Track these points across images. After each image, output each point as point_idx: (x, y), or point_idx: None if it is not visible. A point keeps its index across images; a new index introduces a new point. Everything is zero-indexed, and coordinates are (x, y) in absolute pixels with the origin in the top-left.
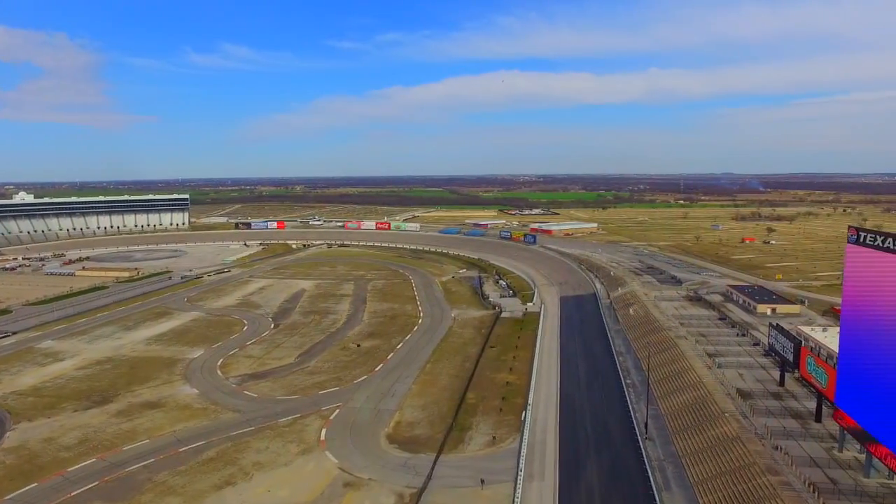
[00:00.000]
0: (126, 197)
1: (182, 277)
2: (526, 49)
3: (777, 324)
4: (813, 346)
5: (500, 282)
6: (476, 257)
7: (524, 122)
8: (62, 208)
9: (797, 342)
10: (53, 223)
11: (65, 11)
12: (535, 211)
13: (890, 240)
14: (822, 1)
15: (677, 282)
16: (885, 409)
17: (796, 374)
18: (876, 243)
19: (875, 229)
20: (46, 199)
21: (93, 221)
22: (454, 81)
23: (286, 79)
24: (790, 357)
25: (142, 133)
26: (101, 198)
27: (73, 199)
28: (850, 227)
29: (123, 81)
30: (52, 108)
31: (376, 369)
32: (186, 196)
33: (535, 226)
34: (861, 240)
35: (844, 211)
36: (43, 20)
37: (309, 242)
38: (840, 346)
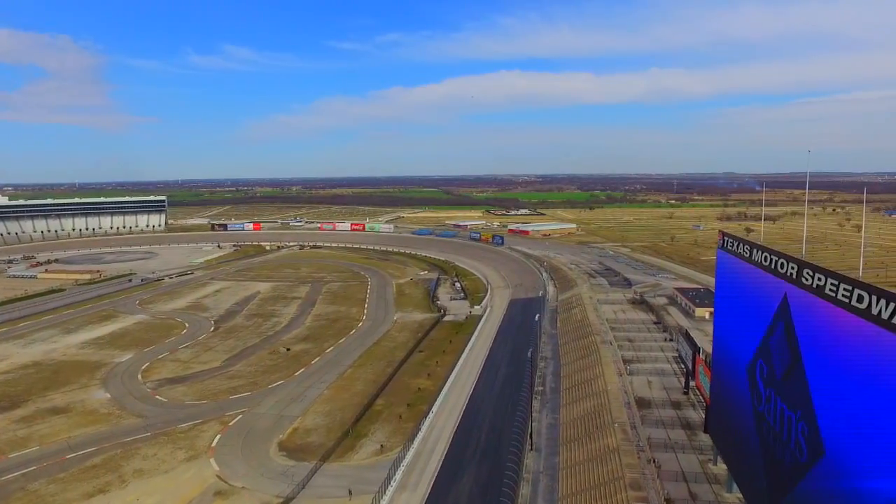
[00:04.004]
0: (101, 199)
1: (142, 280)
2: (526, 49)
3: (686, 330)
4: None
5: (456, 284)
6: (443, 258)
7: (524, 122)
8: (36, 210)
9: (695, 349)
10: (28, 225)
11: (68, 14)
12: (522, 211)
13: (744, 246)
14: (823, 1)
15: (629, 284)
16: (731, 420)
17: (693, 383)
18: (732, 249)
19: (737, 235)
20: (21, 202)
21: (68, 223)
22: (454, 82)
23: (287, 80)
24: (691, 365)
25: (143, 134)
26: (76, 200)
27: (48, 200)
28: (720, 231)
29: (125, 83)
30: (55, 109)
31: (295, 374)
32: (163, 198)
33: (514, 227)
34: (724, 245)
35: (834, 210)
36: (47, 22)
37: (283, 244)
38: (713, 355)
